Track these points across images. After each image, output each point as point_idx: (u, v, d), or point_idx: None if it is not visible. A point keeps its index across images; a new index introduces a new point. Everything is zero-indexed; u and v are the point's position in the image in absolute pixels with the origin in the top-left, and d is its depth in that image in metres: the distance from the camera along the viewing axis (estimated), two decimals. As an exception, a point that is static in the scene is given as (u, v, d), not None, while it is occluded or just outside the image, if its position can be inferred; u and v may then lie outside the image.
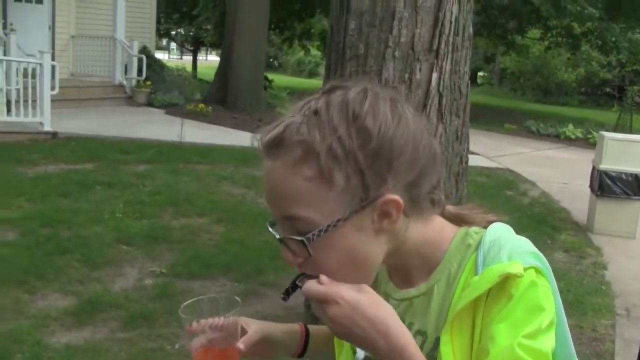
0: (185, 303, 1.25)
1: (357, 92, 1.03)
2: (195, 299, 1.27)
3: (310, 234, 1.00)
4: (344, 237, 1.01)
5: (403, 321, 1.10)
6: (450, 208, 1.17)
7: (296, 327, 1.41)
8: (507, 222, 1.15)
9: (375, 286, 1.20)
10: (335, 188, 0.99)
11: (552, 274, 1.06)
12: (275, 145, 1.02)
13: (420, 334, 1.11)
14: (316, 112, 1.01)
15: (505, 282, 0.99)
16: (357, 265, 1.05)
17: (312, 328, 1.42)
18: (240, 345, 1.24)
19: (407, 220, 1.07)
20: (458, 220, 1.16)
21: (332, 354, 1.37)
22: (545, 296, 1.00)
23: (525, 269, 0.99)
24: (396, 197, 1.01)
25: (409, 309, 1.14)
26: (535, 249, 1.07)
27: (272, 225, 1.11)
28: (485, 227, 1.13)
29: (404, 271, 1.17)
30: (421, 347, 1.07)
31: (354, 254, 1.03)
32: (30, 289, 5.29)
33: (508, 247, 1.05)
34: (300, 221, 1.01)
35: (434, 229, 1.13)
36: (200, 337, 1.22)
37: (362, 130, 0.99)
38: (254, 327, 1.31)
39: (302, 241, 1.01)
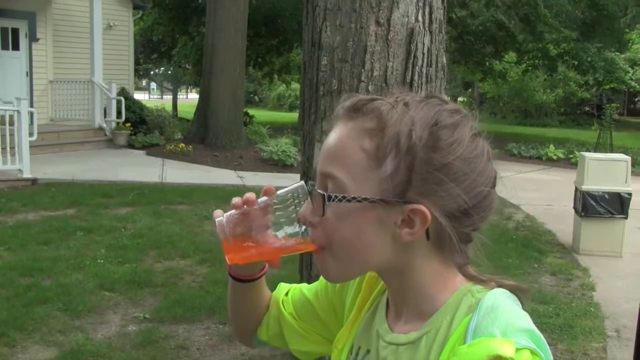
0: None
1: (451, 108, 1.05)
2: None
3: (334, 195, 1.02)
4: (362, 217, 1.02)
5: None
6: (469, 268, 1.11)
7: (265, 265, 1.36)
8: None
9: (369, 326, 1.20)
10: (381, 171, 1.00)
11: (550, 355, 0.97)
12: (356, 109, 1.05)
13: None
14: (406, 104, 1.04)
15: None
16: (356, 251, 1.05)
17: (263, 279, 1.38)
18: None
19: (427, 247, 1.05)
20: (469, 276, 1.11)
21: (250, 306, 1.40)
22: None
23: (518, 350, 0.91)
24: (426, 210, 1.00)
25: (393, 354, 1.10)
26: (532, 326, 0.97)
27: (312, 183, 1.11)
28: (490, 289, 1.06)
29: (399, 305, 1.13)
30: None
31: (360, 239, 1.03)
32: (10, 342, 5.16)
33: (503, 319, 0.96)
34: (334, 181, 1.03)
35: (448, 273, 1.08)
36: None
37: (434, 137, 1.00)
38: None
39: (323, 197, 1.02)
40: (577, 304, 6.57)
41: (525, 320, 0.98)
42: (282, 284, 1.45)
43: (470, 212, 1.03)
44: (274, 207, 1.15)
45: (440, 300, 1.07)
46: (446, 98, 1.09)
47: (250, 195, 1.19)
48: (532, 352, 0.92)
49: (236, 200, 1.23)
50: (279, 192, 1.15)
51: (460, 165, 1.01)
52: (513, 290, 1.06)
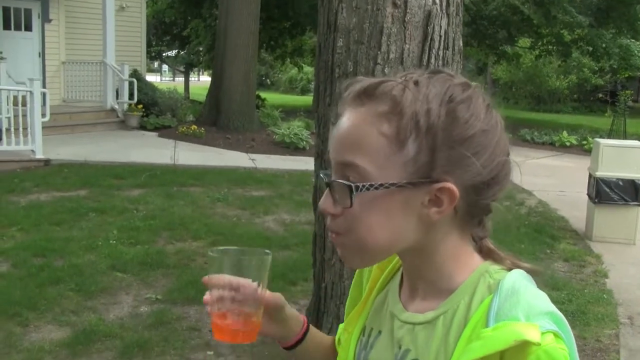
0: (215, 248, 1.18)
1: (461, 82, 1.04)
2: (226, 247, 1.20)
3: (361, 184, 1.00)
4: (388, 203, 1.01)
5: (399, 346, 1.09)
6: (487, 242, 1.12)
7: (301, 317, 1.34)
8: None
9: (381, 308, 1.20)
10: (404, 154, 0.99)
11: (571, 334, 0.98)
12: (366, 94, 1.02)
13: None
14: (416, 83, 1.02)
15: (523, 348, 0.91)
16: (382, 237, 1.03)
17: (312, 327, 1.36)
18: (265, 292, 1.18)
19: (451, 223, 1.05)
20: (486, 253, 1.11)
21: (319, 358, 1.36)
22: None
23: (542, 334, 0.91)
24: (453, 187, 0.99)
25: (409, 334, 1.09)
26: (553, 307, 0.98)
27: (325, 173, 1.10)
28: (508, 269, 1.06)
29: (415, 282, 1.13)
30: None
31: (387, 225, 1.02)
32: (23, 321, 5.19)
33: (526, 302, 0.96)
34: (356, 170, 1.00)
35: (465, 251, 1.09)
36: (215, 292, 1.16)
37: (452, 113, 0.99)
38: (280, 295, 1.26)
39: (350, 187, 1.00)
40: (590, 291, 6.55)
41: (546, 302, 0.99)
42: (340, 325, 1.39)
43: (492, 183, 1.03)
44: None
45: (458, 279, 1.07)
46: (452, 72, 1.07)
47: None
48: (555, 335, 0.93)
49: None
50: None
51: (479, 138, 1.01)
52: (528, 272, 1.06)
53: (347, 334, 1.27)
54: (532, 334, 0.90)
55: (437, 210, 1.01)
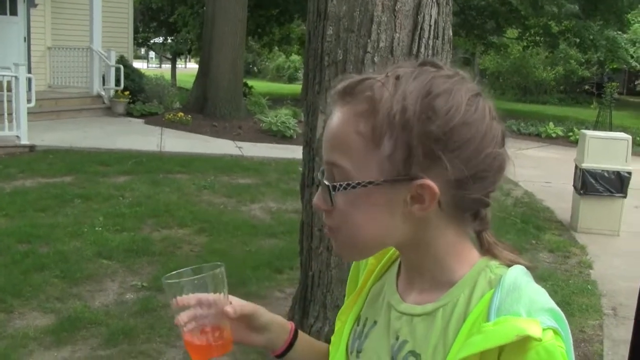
0: (168, 274, 1.19)
1: (446, 74, 1.02)
2: (178, 271, 1.21)
3: (338, 184, 1.01)
4: (370, 201, 1.01)
5: (397, 337, 1.08)
6: (488, 235, 1.11)
7: (287, 324, 1.34)
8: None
9: (377, 298, 1.19)
10: (380, 152, 0.99)
11: (569, 331, 0.98)
12: (348, 93, 1.03)
13: (413, 355, 1.06)
14: (398, 77, 1.01)
15: (523, 343, 0.91)
16: (370, 234, 1.04)
17: (301, 332, 1.35)
18: (229, 309, 1.18)
19: (442, 218, 1.04)
20: (485, 249, 1.10)
21: None
22: None
23: (543, 330, 0.91)
24: (432, 184, 0.98)
25: (408, 325, 1.09)
26: (553, 304, 0.98)
27: (320, 171, 1.10)
28: (507, 265, 1.06)
29: (414, 274, 1.12)
30: None
31: (372, 222, 1.03)
32: (7, 307, 5.16)
33: (527, 298, 0.96)
34: (339, 170, 1.02)
35: (463, 246, 1.08)
36: (189, 311, 1.17)
37: (428, 107, 0.98)
38: (248, 303, 1.26)
39: (328, 187, 1.02)
40: (575, 282, 6.58)
41: (547, 298, 0.99)
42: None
43: (481, 176, 1.01)
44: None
45: (458, 273, 1.06)
46: (441, 63, 1.06)
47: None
48: (555, 332, 0.93)
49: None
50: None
51: (461, 131, 0.98)
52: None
53: (340, 323, 1.26)
54: (533, 329, 0.90)
55: (419, 207, 1.00)
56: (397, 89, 0.99)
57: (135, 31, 26.18)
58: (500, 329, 0.92)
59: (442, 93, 0.99)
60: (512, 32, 27.60)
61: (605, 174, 8.35)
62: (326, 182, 1.03)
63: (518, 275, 1.01)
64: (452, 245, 1.07)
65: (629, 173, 8.36)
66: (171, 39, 35.34)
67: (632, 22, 28.19)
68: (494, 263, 1.06)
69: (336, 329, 1.27)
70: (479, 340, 0.93)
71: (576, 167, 8.76)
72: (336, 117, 1.03)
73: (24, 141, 11.53)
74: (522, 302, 0.95)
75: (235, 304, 1.21)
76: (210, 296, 1.17)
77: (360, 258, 1.20)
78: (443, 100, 0.98)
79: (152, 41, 39.04)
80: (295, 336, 1.33)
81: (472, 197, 1.02)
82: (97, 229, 7.21)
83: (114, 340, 4.75)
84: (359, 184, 1.00)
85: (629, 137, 8.72)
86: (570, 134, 17.90)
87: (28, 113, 11.72)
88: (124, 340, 4.76)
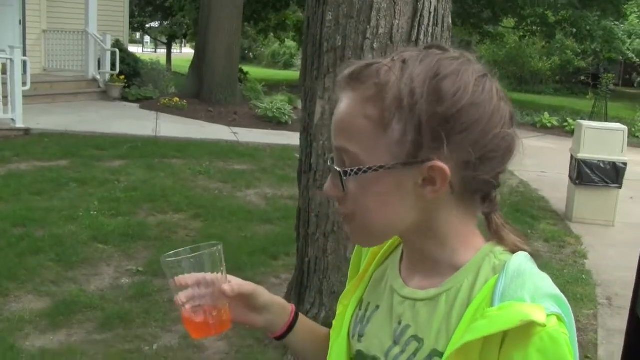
0: (166, 254, 1.19)
1: (452, 56, 1.03)
2: (176, 250, 1.20)
3: (349, 169, 1.01)
4: (382, 186, 1.01)
5: (399, 322, 1.08)
6: (497, 216, 1.10)
7: (288, 306, 1.34)
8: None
9: (380, 282, 1.19)
10: (389, 136, 0.99)
11: (572, 317, 0.98)
12: (355, 79, 1.03)
13: (415, 339, 1.06)
14: (404, 61, 1.01)
15: (527, 328, 0.91)
16: (382, 218, 1.04)
17: (301, 315, 1.35)
18: (227, 287, 1.19)
19: (452, 201, 1.04)
20: (493, 230, 1.10)
21: (311, 349, 1.35)
22: (569, 350, 0.93)
23: (547, 316, 0.91)
24: (443, 165, 0.98)
25: (411, 310, 1.09)
26: (557, 291, 0.98)
27: (330, 157, 1.10)
28: (512, 251, 1.06)
29: (417, 259, 1.12)
30: (414, 354, 1.05)
31: (384, 207, 1.03)
32: (3, 291, 5.16)
33: (532, 284, 0.96)
34: (348, 155, 1.02)
35: (469, 230, 1.08)
36: (188, 291, 1.17)
37: (435, 90, 0.98)
38: (247, 282, 1.26)
39: (339, 173, 1.02)
40: (569, 271, 6.61)
41: (551, 284, 0.99)
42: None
43: (489, 157, 1.01)
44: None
45: (462, 258, 1.06)
46: (447, 46, 1.06)
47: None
48: (559, 318, 0.93)
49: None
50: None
51: (469, 112, 0.98)
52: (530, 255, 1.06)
53: (342, 307, 1.26)
54: (537, 315, 0.90)
55: (432, 189, 1.00)
56: (404, 72, 0.99)
57: (131, 15, 26.06)
58: (504, 314, 0.92)
59: (450, 75, 0.99)
60: (508, 22, 27.58)
61: (601, 165, 8.36)
62: (337, 168, 1.02)
63: (522, 261, 1.01)
64: (459, 230, 1.07)
65: (625, 164, 8.37)
66: (167, 23, 35.19)
67: (628, 13, 28.18)
68: (498, 249, 1.06)
69: (337, 313, 1.27)
70: (483, 325, 0.93)
71: (572, 157, 8.77)
72: (344, 103, 1.03)
73: (19, 124, 11.47)
74: (527, 287, 0.95)
75: (234, 283, 1.21)
76: (208, 276, 1.18)
77: (377, 243, 1.18)
78: (450, 82, 0.98)
79: (147, 25, 38.90)
80: (295, 318, 1.33)
81: (481, 179, 1.02)
82: (92, 213, 7.19)
83: (109, 324, 4.75)
84: (370, 168, 0.99)
85: (625, 127, 8.73)
86: (566, 124, 17.91)
87: (23, 96, 11.65)
88: (120, 324, 4.76)
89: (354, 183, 1.01)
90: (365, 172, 1.00)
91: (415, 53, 1.02)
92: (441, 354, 1.00)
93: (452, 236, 1.06)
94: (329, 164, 1.07)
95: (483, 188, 1.05)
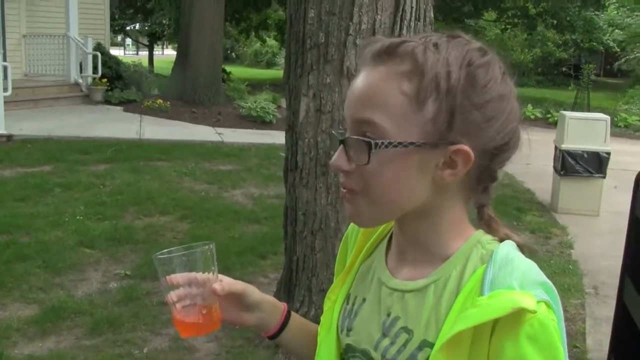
0: (159, 252, 1.18)
1: (478, 47, 1.05)
2: (169, 249, 1.20)
3: (380, 141, 1.00)
4: (404, 162, 1.01)
5: (388, 313, 1.09)
6: (489, 209, 1.13)
7: (280, 304, 1.33)
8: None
9: (366, 275, 1.19)
10: (423, 114, 0.99)
11: (560, 304, 1.00)
12: (387, 52, 1.03)
13: (405, 331, 1.06)
14: (436, 45, 1.02)
15: (517, 316, 0.92)
16: (396, 195, 1.04)
17: (294, 314, 1.35)
18: (217, 286, 1.18)
19: (459, 188, 1.06)
20: (485, 221, 1.12)
21: (305, 347, 1.34)
22: (558, 336, 0.95)
23: (537, 303, 0.93)
24: (469, 149, 1.00)
25: (400, 301, 1.09)
26: (545, 278, 1.00)
27: (338, 131, 1.11)
28: (500, 240, 1.07)
29: (408, 248, 1.12)
30: (404, 345, 1.05)
31: (401, 183, 1.03)
32: (-10, 299, 5.13)
33: (520, 272, 0.98)
34: (374, 127, 1.00)
35: (463, 219, 1.10)
36: (179, 290, 1.17)
37: (471, 77, 1.00)
38: (238, 281, 1.26)
39: (369, 144, 1.00)
40: (556, 262, 6.64)
41: (538, 272, 1.01)
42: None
43: (504, 149, 1.05)
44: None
45: (452, 247, 1.07)
46: (468, 37, 1.08)
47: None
48: (547, 305, 0.95)
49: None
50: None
51: (496, 104, 1.02)
52: (518, 245, 1.07)
53: (330, 302, 1.26)
54: (528, 302, 0.92)
55: (450, 173, 1.02)
56: (439, 54, 1.01)
57: (112, 18, 25.94)
58: (495, 302, 0.93)
59: (482, 65, 1.02)
60: (489, 15, 27.69)
61: (585, 155, 8.41)
62: (364, 139, 1.01)
63: (509, 249, 1.03)
64: (456, 217, 1.08)
65: (608, 153, 8.42)
66: (147, 25, 35.06)
67: (607, 4, 28.37)
68: (486, 238, 1.08)
69: (325, 309, 1.27)
70: (475, 313, 0.94)
71: (556, 148, 8.82)
72: (370, 75, 1.03)
73: (1, 131, 11.38)
74: (515, 275, 0.97)
75: (224, 282, 1.21)
76: (200, 275, 1.17)
77: (377, 223, 1.17)
78: (483, 72, 1.01)
79: (128, 27, 38.74)
80: (288, 317, 1.32)
81: (492, 169, 1.06)
82: (78, 217, 7.15)
83: (98, 329, 4.72)
84: (400, 143, 0.99)
85: (608, 117, 8.79)
86: (549, 115, 18.01)
87: (4, 102, 11.56)
88: (109, 329, 4.74)
89: (375, 157, 1.00)
90: (395, 146, 0.99)
91: (444, 39, 1.04)
92: (431, 344, 1.01)
93: (449, 223, 1.08)
94: (339, 137, 1.07)
95: (488, 179, 1.08)
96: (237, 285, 1.23)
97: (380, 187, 1.03)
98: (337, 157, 1.06)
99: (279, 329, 1.31)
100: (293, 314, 1.34)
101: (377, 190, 1.03)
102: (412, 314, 1.06)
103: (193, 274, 1.17)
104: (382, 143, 0.99)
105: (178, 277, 1.16)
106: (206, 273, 1.18)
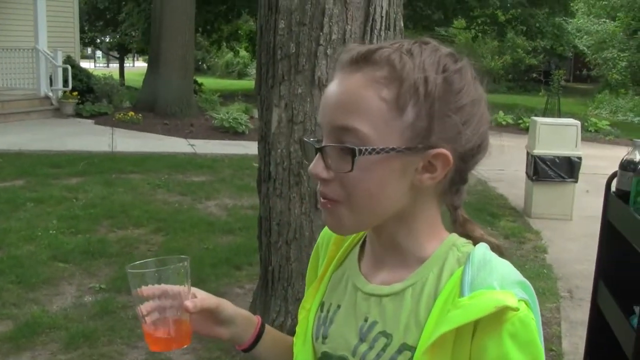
0: (132, 264, 1.18)
1: (449, 52, 1.07)
2: (143, 261, 1.20)
3: (364, 148, 0.99)
4: (386, 168, 1.02)
5: (365, 319, 1.09)
6: (462, 211, 1.15)
7: (254, 318, 1.33)
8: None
9: (339, 282, 1.20)
10: (404, 119, 1.00)
11: (537, 303, 1.02)
12: (364, 59, 1.03)
13: (384, 335, 1.07)
14: (409, 51, 1.03)
15: (499, 315, 0.93)
16: (377, 201, 1.04)
17: (268, 326, 1.35)
18: (189, 303, 1.17)
19: (434, 191, 1.07)
20: (460, 223, 1.14)
21: (280, 358, 1.34)
22: (538, 334, 0.97)
23: (517, 301, 0.95)
24: (448, 153, 1.02)
25: (377, 306, 1.10)
26: (522, 277, 1.02)
27: (313, 139, 1.12)
28: (473, 243, 1.09)
29: (384, 253, 1.13)
30: (383, 349, 1.06)
31: (383, 189, 1.03)
32: (-38, 316, 5.06)
33: (498, 272, 0.99)
34: (355, 135, 1.00)
35: (436, 222, 1.11)
36: (150, 303, 1.16)
37: (448, 82, 1.02)
38: (211, 296, 1.25)
39: (352, 151, 0.99)
40: (531, 266, 6.69)
41: (515, 271, 1.02)
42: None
43: (478, 151, 1.07)
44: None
45: (428, 250, 1.08)
46: (437, 42, 1.09)
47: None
48: (526, 304, 0.97)
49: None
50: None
51: (470, 108, 1.04)
52: (492, 247, 1.08)
53: (304, 312, 1.26)
54: (510, 300, 0.93)
55: (429, 177, 1.03)
56: (415, 60, 1.02)
57: (82, 31, 25.80)
58: (477, 302, 0.94)
59: (457, 71, 1.04)
60: (459, 23, 27.90)
61: (557, 160, 8.50)
62: (350, 146, 1.00)
63: (485, 251, 1.04)
64: (430, 220, 1.10)
65: (579, 158, 8.52)
66: (116, 35, 34.89)
67: (575, 10, 28.72)
68: (460, 242, 1.09)
69: (300, 318, 1.27)
70: (458, 314, 0.95)
71: (528, 153, 8.89)
72: (347, 82, 1.03)
73: (-29, 146, 11.28)
74: (495, 276, 0.98)
75: (197, 299, 1.20)
76: (172, 288, 1.17)
77: (357, 231, 1.18)
78: (458, 78, 1.03)
79: (98, 40, 38.52)
80: (262, 330, 1.32)
81: (466, 171, 1.08)
82: (51, 232, 7.08)
83: (74, 344, 4.67)
84: (382, 149, 1.00)
85: (578, 122, 8.88)
86: (520, 121, 18.15)
87: (-26, 117, 11.46)
88: (85, 343, 4.69)
89: (357, 164, 1.00)
90: (378, 152, 1.00)
91: (416, 45, 1.05)
92: (411, 347, 1.02)
93: (424, 226, 1.09)
94: (316, 145, 1.06)
95: (460, 182, 1.10)
96: (210, 300, 1.23)
97: (363, 194, 1.03)
98: (315, 165, 1.05)
99: (253, 342, 1.31)
100: (267, 326, 1.34)
101: (360, 198, 1.03)
102: (390, 318, 1.07)
103: (164, 286, 1.16)
104: (366, 150, 0.99)
105: (150, 288, 1.16)
106: (179, 286, 1.18)
